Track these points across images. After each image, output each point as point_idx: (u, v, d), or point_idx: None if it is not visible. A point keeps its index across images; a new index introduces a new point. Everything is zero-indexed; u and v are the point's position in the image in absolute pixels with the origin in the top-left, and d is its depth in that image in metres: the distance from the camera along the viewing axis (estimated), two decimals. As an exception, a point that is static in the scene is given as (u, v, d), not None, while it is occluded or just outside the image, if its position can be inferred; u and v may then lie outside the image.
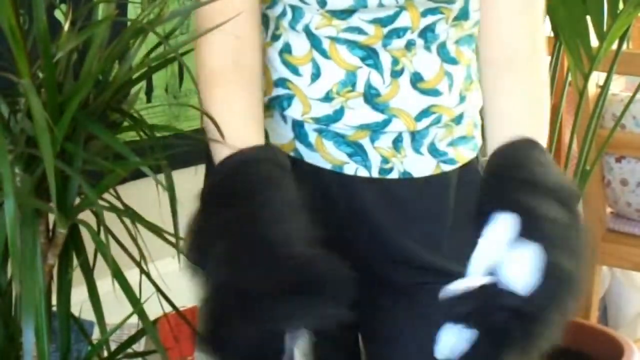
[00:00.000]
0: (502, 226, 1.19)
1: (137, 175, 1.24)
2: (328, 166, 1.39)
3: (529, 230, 1.19)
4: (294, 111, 1.38)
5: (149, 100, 2.15)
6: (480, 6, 1.35)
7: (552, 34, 2.40)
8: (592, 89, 2.67)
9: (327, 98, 1.36)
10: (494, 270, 1.17)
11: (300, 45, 1.36)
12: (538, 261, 1.16)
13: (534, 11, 1.36)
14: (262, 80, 1.35)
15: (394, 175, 1.40)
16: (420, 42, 1.35)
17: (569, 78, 2.44)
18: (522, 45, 1.34)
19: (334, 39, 1.34)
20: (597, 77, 2.61)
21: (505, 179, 1.25)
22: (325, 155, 1.39)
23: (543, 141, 1.32)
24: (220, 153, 1.27)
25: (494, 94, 1.37)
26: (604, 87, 2.36)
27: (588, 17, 2.28)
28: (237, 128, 1.28)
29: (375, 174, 1.39)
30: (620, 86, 3.10)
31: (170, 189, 1.20)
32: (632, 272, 3.17)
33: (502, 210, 1.20)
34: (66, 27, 1.29)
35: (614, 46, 2.32)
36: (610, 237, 2.89)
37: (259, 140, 1.29)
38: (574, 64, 2.32)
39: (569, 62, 2.34)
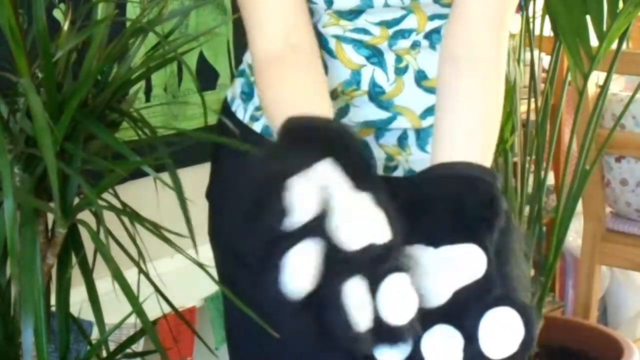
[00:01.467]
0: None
1: (136, 174, 1.24)
2: (332, 164, 1.39)
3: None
4: None
5: (147, 99, 2.14)
6: (452, 6, 1.29)
7: (551, 34, 2.39)
8: (592, 89, 2.67)
9: (332, 96, 1.35)
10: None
11: None
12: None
13: (503, 26, 1.29)
14: (322, 62, 1.30)
15: (399, 173, 1.40)
16: (425, 42, 1.34)
17: (569, 78, 2.43)
18: (489, 51, 1.27)
19: (339, 38, 1.34)
20: (596, 77, 2.61)
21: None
22: (329, 153, 1.38)
23: (493, 143, 1.25)
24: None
25: (453, 91, 1.27)
26: (604, 87, 2.36)
27: (588, 17, 2.27)
28: (300, 104, 1.19)
29: (380, 171, 1.39)
30: (619, 86, 3.10)
31: (177, 185, 1.20)
32: (631, 272, 3.18)
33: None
34: (65, 26, 1.28)
35: (614, 46, 2.32)
36: (609, 237, 2.88)
37: (325, 112, 1.20)
38: (573, 63, 2.31)
39: (569, 62, 2.33)
